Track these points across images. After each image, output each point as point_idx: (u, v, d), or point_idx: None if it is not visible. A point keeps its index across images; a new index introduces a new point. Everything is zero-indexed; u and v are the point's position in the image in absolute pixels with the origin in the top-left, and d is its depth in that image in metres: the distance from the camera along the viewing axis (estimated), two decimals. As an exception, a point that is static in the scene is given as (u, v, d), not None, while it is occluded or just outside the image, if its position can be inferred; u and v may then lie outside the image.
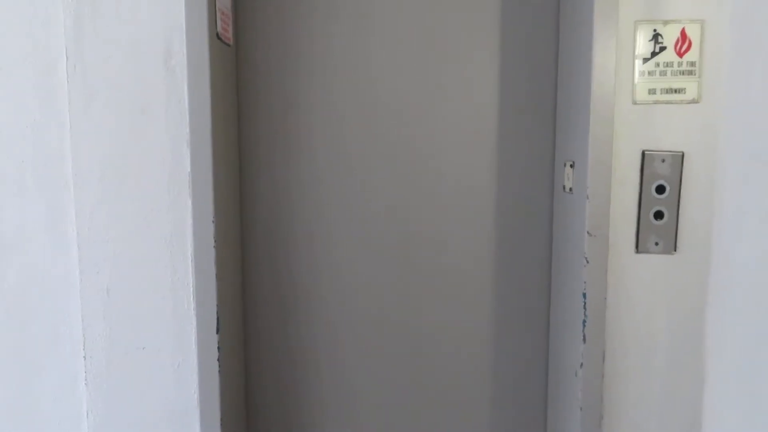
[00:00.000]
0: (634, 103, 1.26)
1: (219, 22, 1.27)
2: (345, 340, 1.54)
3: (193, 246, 1.25)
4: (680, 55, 1.24)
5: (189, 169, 1.24)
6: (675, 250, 1.27)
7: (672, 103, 1.25)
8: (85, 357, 1.32)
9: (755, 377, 1.18)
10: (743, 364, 1.21)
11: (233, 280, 1.43)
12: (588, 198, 1.23)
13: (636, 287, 1.28)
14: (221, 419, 1.29)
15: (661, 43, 1.24)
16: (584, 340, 1.26)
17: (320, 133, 1.48)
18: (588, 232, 1.24)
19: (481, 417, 1.57)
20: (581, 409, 1.27)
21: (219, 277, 1.27)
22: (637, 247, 1.27)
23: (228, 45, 1.37)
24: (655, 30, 1.24)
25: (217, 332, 1.27)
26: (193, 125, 1.22)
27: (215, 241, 1.24)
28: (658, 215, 1.27)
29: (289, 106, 1.47)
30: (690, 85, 1.25)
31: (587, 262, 1.25)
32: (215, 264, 1.25)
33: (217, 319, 1.27)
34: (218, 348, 1.28)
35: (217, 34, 1.27)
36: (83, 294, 1.30)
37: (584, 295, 1.26)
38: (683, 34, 1.24)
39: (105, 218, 1.27)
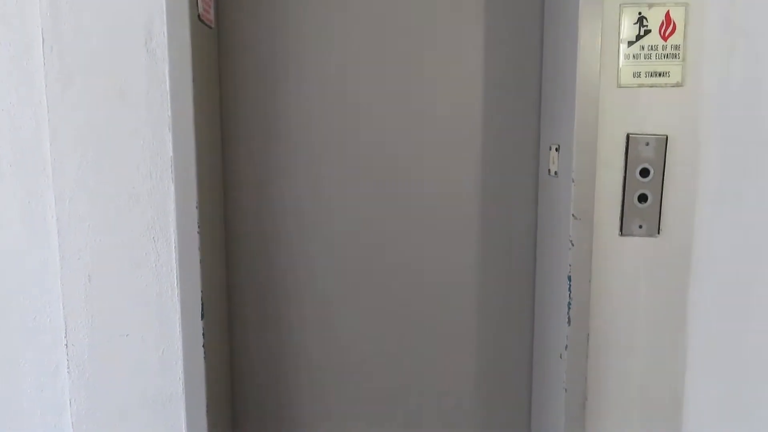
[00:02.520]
0: (619, 86, 1.26)
1: (200, 4, 1.24)
2: (334, 325, 1.54)
3: (176, 231, 1.24)
4: (665, 38, 1.25)
5: (171, 154, 1.22)
6: (658, 233, 1.28)
7: (656, 87, 1.26)
8: (67, 345, 1.30)
9: (735, 357, 1.20)
10: (724, 344, 1.23)
11: (217, 266, 1.41)
12: (573, 181, 1.23)
13: (620, 270, 1.29)
14: (207, 405, 1.28)
15: (646, 26, 1.25)
16: (569, 322, 1.27)
17: (304, 116, 1.46)
18: (573, 216, 1.25)
19: (466, 400, 1.59)
20: (566, 390, 1.29)
21: (203, 263, 1.25)
22: (621, 229, 1.28)
23: (210, 27, 1.34)
24: (640, 13, 1.24)
25: (202, 318, 1.26)
26: (174, 109, 1.20)
27: (199, 227, 1.23)
28: (642, 198, 1.28)
29: (272, 89, 1.45)
30: (674, 69, 1.25)
31: (572, 245, 1.26)
32: (199, 249, 1.24)
33: (202, 304, 1.25)
34: (203, 334, 1.26)
35: (199, 16, 1.24)
36: (64, 281, 1.27)
37: (569, 278, 1.26)
38: (668, 17, 1.24)
39: (85, 204, 1.25)
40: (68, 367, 1.30)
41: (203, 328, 1.26)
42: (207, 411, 1.28)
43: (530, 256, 1.52)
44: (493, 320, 1.55)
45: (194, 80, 1.20)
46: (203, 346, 1.27)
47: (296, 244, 1.51)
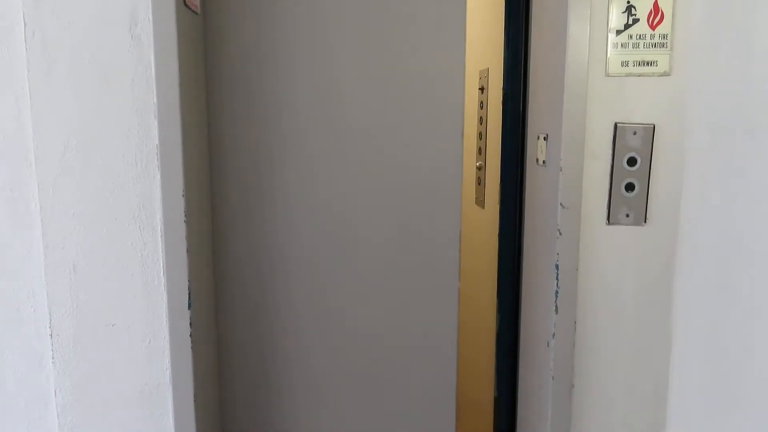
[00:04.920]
0: (607, 75, 1.26)
1: (186, -12, 1.23)
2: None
3: (162, 220, 1.22)
4: (653, 27, 1.25)
5: (157, 141, 1.21)
6: (645, 222, 1.29)
7: (644, 76, 1.26)
8: (51, 335, 1.28)
9: (719, 344, 1.22)
10: (708, 331, 1.24)
11: (205, 255, 1.40)
12: (561, 170, 1.24)
13: (607, 258, 1.30)
14: (194, 395, 1.28)
15: (635, 15, 1.25)
16: (556, 310, 1.28)
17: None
18: (561, 204, 1.25)
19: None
20: (553, 378, 1.30)
21: (190, 252, 1.24)
22: (608, 218, 1.29)
23: (196, 13, 1.32)
24: (628, 2, 1.24)
25: (189, 308, 1.25)
26: (160, 95, 1.18)
27: (186, 216, 1.21)
28: (629, 187, 1.29)
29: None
30: (662, 58, 1.26)
31: (560, 234, 1.26)
32: (186, 239, 1.22)
33: (189, 294, 1.24)
34: (190, 324, 1.26)
35: (185, 2, 1.22)
36: (48, 270, 1.26)
37: (557, 266, 1.27)
38: (656, 6, 1.24)
39: (69, 192, 1.23)
40: (53, 357, 1.29)
41: (190, 318, 1.25)
42: (195, 400, 1.28)
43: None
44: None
45: (180, 67, 1.18)
46: (190, 335, 1.26)
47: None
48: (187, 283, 1.24)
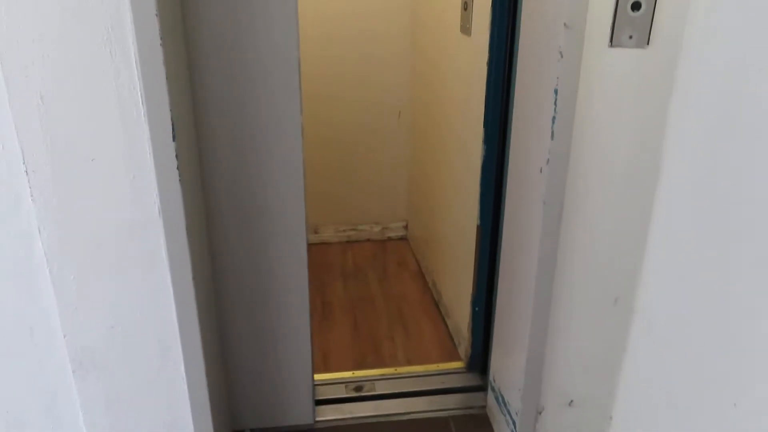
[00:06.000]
0: None
1: None
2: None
3: (136, 43, 1.11)
4: None
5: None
6: (648, 44, 1.24)
7: None
8: (27, 172, 1.21)
9: (707, 177, 1.24)
10: (698, 163, 1.26)
11: (184, 81, 1.30)
12: (568, -14, 1.15)
13: (606, 83, 1.26)
14: (186, 228, 1.26)
15: None
16: (552, 136, 1.27)
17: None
18: (565, 24, 1.19)
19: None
20: (545, 203, 1.32)
21: (170, 79, 1.15)
22: (611, 40, 1.23)
23: None
24: None
25: (174, 140, 1.19)
26: None
27: (162, 37, 1.10)
28: (636, 6, 1.22)
29: None
30: None
31: (561, 56, 1.21)
32: (164, 64, 1.12)
33: (173, 125, 1.17)
34: (176, 156, 1.20)
35: None
36: (12, 102, 1.15)
37: (556, 91, 1.23)
38: None
39: (27, 13, 1.09)
40: (32, 195, 1.23)
41: (176, 150, 1.19)
42: (188, 233, 1.26)
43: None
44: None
45: None
46: (177, 168, 1.21)
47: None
48: (170, 113, 1.16)
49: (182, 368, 1.39)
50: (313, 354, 1.73)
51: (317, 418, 1.83)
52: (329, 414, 1.85)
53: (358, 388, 1.96)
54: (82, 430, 1.45)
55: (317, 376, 2.01)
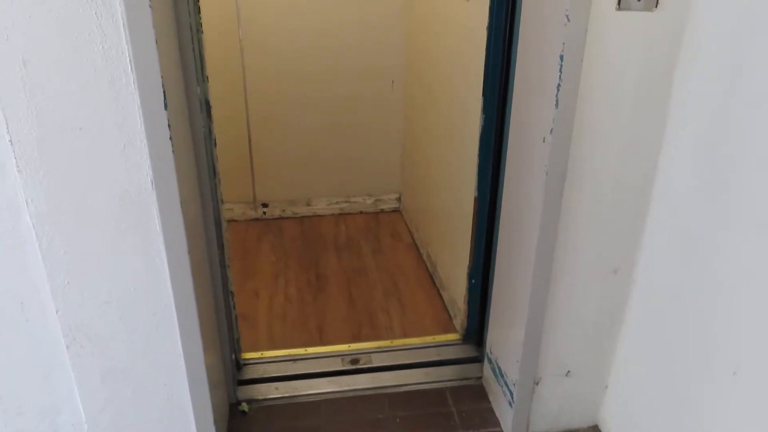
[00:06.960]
0: None
1: None
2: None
3: (123, 4, 1.05)
4: None
5: None
6: (656, 6, 1.20)
7: None
8: (11, 141, 1.16)
9: (713, 139, 1.22)
10: (701, 126, 1.23)
11: (172, 46, 1.25)
12: (577, -55, 1.11)
13: (613, 47, 1.23)
14: (181, 199, 1.22)
15: None
16: (557, 104, 1.23)
17: None
18: (572, -14, 1.14)
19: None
20: (547, 173, 1.29)
21: (160, 43, 1.09)
22: (619, 2, 1.19)
23: None
24: None
25: (165, 108, 1.14)
26: None
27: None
28: (644, -33, 1.18)
29: None
30: None
31: (568, 20, 1.17)
32: (153, 26, 1.07)
33: (164, 92, 1.12)
34: (168, 125, 1.15)
35: None
36: (-6, 67, 1.10)
37: (561, 57, 1.20)
38: None
39: (4, -30, 1.03)
40: (17, 165, 1.18)
41: (168, 119, 1.15)
42: (182, 203, 1.22)
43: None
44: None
45: None
46: (170, 138, 1.16)
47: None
48: (161, 78, 1.11)
49: (179, 342, 1.36)
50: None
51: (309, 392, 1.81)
52: (326, 387, 1.84)
53: (354, 361, 1.95)
54: (78, 406, 1.43)
55: (313, 349, 2.00)
